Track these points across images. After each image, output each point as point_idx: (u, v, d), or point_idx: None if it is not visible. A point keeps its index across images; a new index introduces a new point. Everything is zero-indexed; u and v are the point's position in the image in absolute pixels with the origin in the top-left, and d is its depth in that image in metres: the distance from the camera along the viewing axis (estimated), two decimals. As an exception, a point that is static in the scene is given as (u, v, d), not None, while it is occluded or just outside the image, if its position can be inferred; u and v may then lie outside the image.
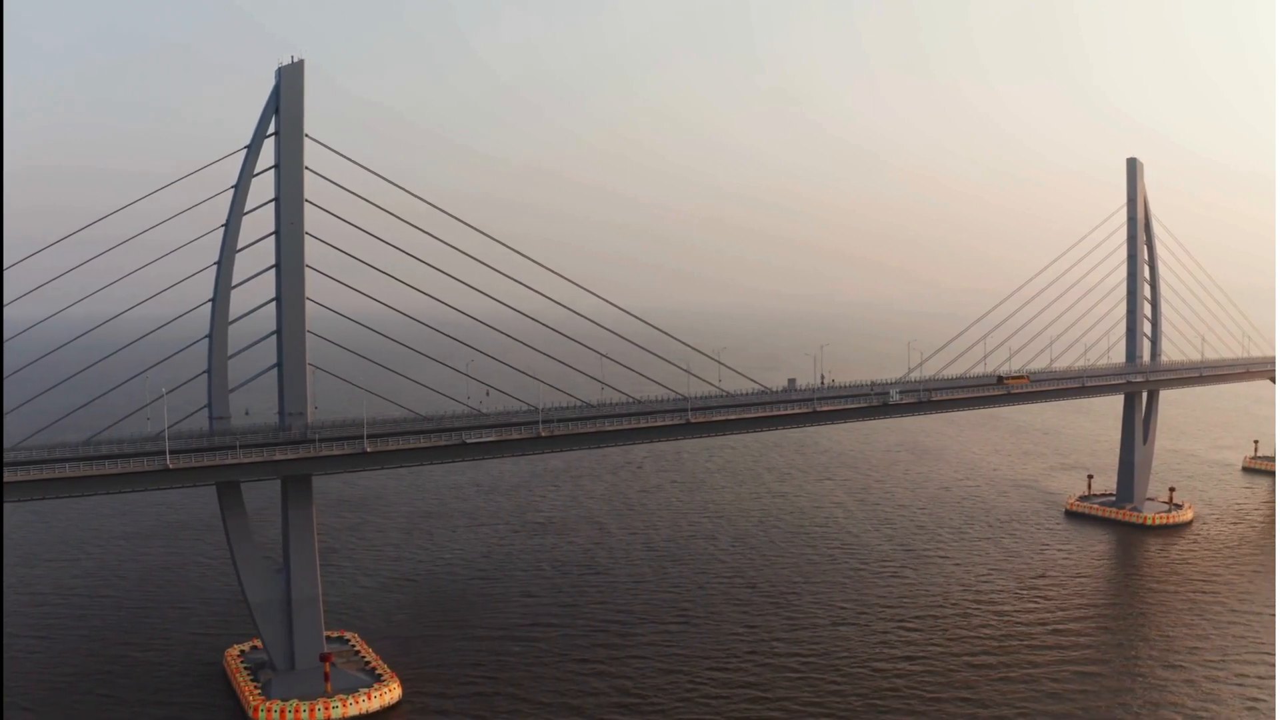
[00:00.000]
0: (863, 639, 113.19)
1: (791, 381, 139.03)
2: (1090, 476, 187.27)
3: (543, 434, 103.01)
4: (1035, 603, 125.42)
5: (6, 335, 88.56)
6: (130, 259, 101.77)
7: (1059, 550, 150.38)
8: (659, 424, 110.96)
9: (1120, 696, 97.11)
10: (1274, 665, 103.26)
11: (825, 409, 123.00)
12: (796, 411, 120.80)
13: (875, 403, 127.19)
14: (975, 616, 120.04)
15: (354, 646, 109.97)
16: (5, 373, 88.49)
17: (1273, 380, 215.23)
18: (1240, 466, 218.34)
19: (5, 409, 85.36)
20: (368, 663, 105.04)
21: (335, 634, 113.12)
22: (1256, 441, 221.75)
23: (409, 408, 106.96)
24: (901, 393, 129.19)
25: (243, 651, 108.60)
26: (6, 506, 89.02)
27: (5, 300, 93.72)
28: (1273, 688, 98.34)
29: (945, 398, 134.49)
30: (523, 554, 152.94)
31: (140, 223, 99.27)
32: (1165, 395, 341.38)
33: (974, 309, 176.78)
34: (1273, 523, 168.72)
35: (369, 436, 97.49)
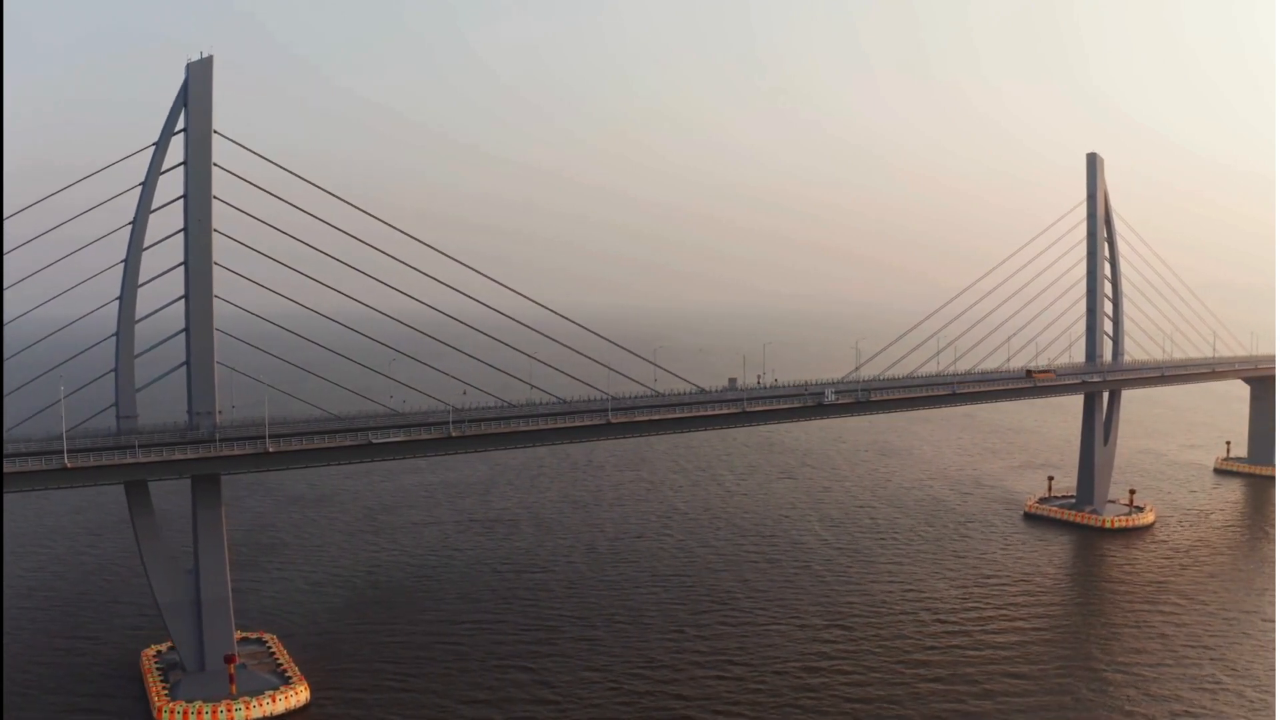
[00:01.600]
0: (793, 641, 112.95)
1: (732, 381, 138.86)
2: (1050, 478, 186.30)
3: (454, 434, 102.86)
4: (976, 606, 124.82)
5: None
6: (39, 256, 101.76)
7: (1010, 553, 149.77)
8: (578, 424, 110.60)
9: (1043, 700, 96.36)
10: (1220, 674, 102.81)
11: (755, 409, 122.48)
12: (724, 412, 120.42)
13: (810, 403, 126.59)
14: (912, 619, 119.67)
15: (270, 648, 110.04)
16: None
17: (1245, 380, 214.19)
18: (1212, 468, 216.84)
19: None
20: (280, 665, 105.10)
21: (255, 635, 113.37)
22: (1229, 442, 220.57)
23: (323, 407, 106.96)
24: (838, 393, 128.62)
25: (159, 652, 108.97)
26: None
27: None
28: (1272, 689, 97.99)
29: (884, 398, 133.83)
30: (466, 553, 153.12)
31: (49, 219, 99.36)
32: (1140, 394, 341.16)
33: (973, 308, 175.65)
34: (1234, 525, 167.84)
35: (272, 436, 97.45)
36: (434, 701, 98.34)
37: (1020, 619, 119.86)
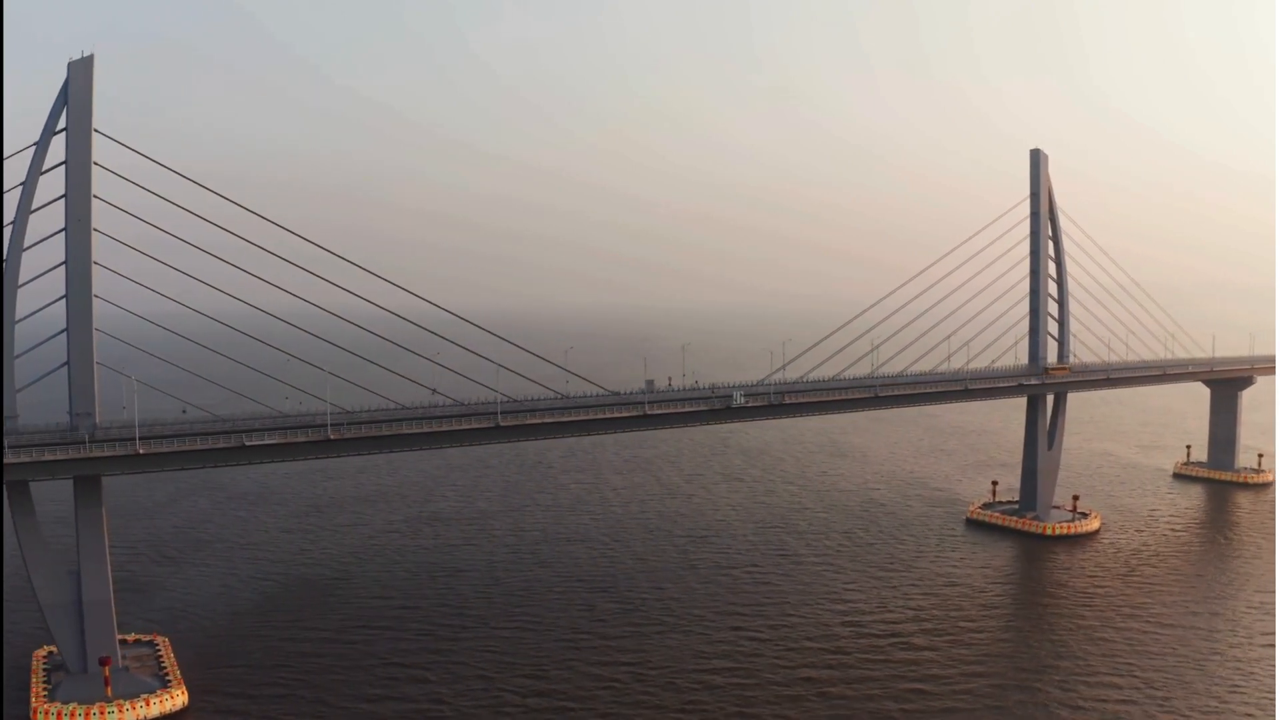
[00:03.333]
0: (694, 647, 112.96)
1: (649, 383, 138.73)
2: (995, 483, 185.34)
3: (331, 436, 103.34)
4: (895, 614, 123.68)
5: None
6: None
7: (941, 561, 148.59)
8: (465, 427, 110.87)
9: (952, 715, 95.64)
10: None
11: (656, 412, 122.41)
12: (624, 415, 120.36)
13: (717, 405, 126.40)
14: (826, 627, 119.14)
15: (159, 650, 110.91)
16: None
17: (1205, 383, 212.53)
18: (1172, 473, 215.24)
19: None
20: (164, 668, 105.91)
21: (147, 637, 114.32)
22: (1189, 446, 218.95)
23: (208, 409, 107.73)
24: (747, 396, 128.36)
25: (50, 653, 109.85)
26: None
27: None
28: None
29: (799, 400, 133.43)
30: (388, 553, 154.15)
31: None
32: (1109, 395, 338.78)
33: (969, 307, 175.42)
34: (1184, 534, 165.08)
35: (144, 438, 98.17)
36: (314, 709, 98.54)
37: (938, 628, 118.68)
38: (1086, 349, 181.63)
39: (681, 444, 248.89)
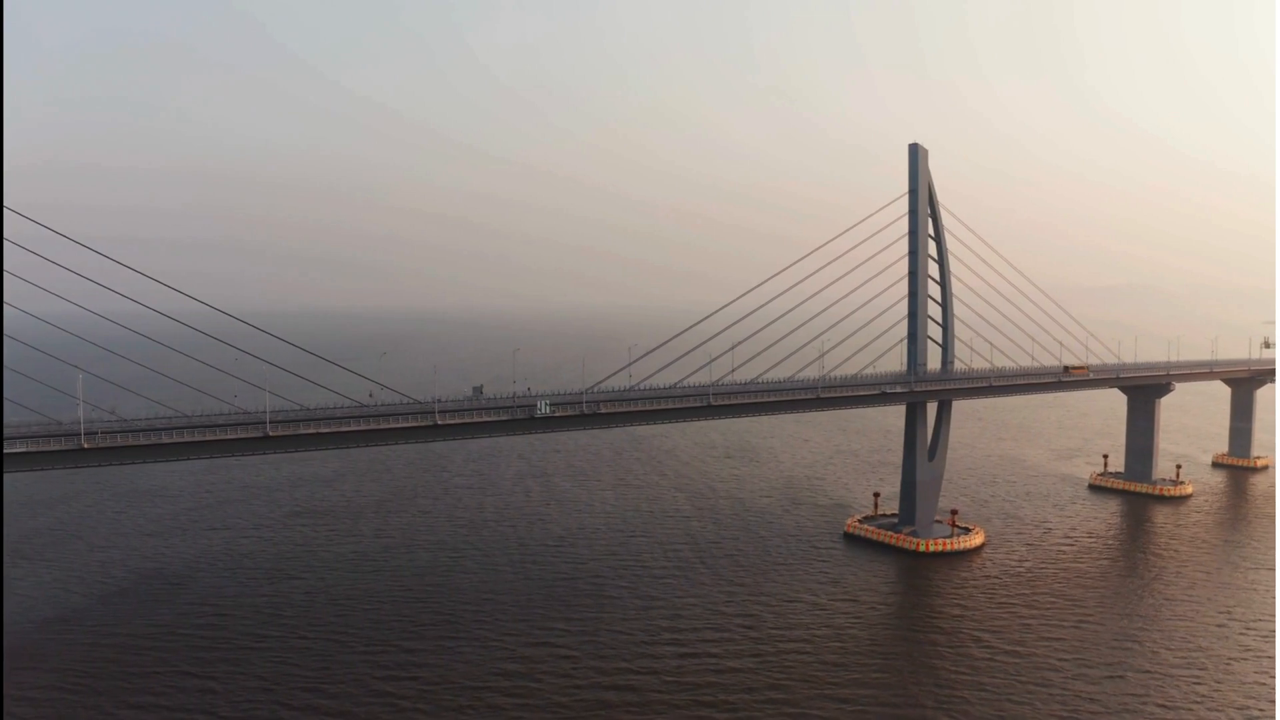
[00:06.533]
0: (493, 663, 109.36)
1: (477, 390, 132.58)
2: (877, 494, 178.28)
3: (85, 445, 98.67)
4: (721, 633, 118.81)
5: None
6: None
7: (802, 577, 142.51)
8: (227, 437, 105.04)
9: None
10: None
11: (449, 423, 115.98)
12: (414, 425, 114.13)
13: (519, 415, 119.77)
14: (645, 644, 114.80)
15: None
16: None
17: (1122, 390, 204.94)
18: (1087, 483, 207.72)
19: None
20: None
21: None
22: (1106, 456, 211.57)
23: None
24: (552, 405, 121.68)
25: None
26: None
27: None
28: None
29: (617, 410, 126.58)
30: (235, 557, 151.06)
31: None
32: (1037, 400, 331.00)
33: (966, 307, 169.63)
34: (1079, 553, 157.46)
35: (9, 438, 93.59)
36: (91, 716, 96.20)
37: (766, 650, 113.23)
38: (978, 355, 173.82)
39: (601, 445, 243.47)
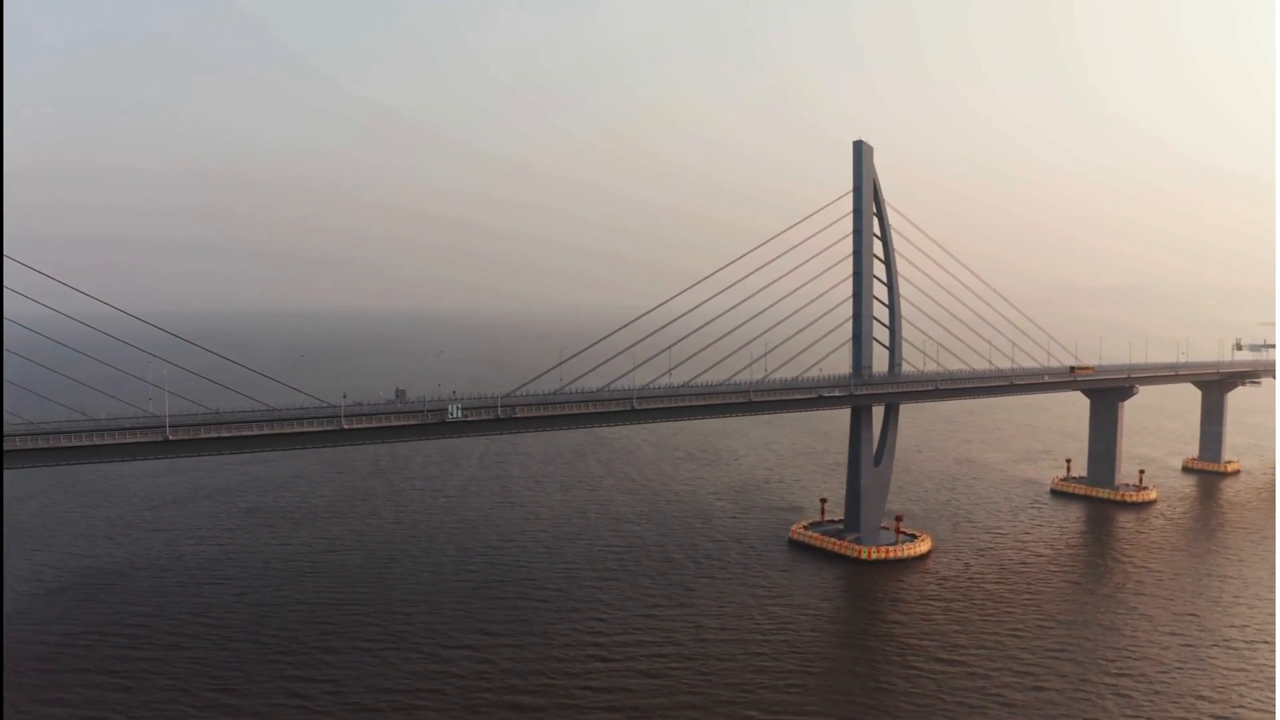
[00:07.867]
0: (399, 663, 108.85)
1: (400, 393, 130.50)
2: (823, 500, 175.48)
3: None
4: (646, 640, 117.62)
5: None
6: None
7: (736, 585, 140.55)
8: (131, 440, 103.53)
9: None
10: None
11: (355, 427, 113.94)
12: (319, 430, 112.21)
13: (430, 420, 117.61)
14: (565, 648, 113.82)
15: None
16: None
17: (1084, 394, 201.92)
18: (1048, 488, 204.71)
19: None
20: None
21: None
22: (1069, 460, 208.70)
23: None
24: (465, 409, 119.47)
25: None
26: None
27: None
28: None
29: (529, 415, 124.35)
30: (170, 559, 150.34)
31: None
32: (1001, 403, 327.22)
33: (965, 307, 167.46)
34: (1030, 561, 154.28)
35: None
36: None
37: (688, 663, 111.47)
38: (928, 357, 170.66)
39: (562, 445, 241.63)
